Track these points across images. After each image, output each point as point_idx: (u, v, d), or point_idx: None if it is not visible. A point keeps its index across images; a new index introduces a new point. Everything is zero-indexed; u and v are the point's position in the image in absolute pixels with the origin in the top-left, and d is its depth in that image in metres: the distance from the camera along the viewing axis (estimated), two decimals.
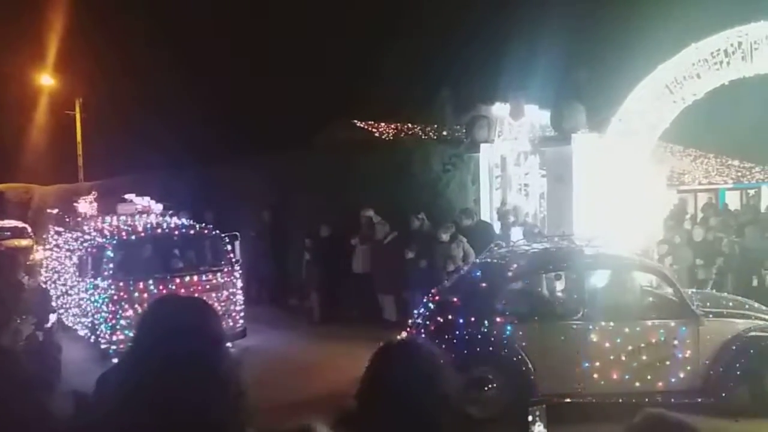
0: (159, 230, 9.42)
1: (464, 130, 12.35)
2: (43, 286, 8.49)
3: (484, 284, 6.93)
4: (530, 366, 6.30)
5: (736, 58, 8.35)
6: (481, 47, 22.31)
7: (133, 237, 9.06)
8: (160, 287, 8.55)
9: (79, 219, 10.64)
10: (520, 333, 6.44)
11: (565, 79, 15.96)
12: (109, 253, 8.61)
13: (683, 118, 9.65)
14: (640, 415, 1.81)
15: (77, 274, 9.51)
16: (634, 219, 9.49)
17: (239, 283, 9.50)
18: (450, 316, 6.66)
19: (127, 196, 10.58)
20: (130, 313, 8.21)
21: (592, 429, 6.02)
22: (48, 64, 21.25)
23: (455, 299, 6.92)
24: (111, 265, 8.54)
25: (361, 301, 10.91)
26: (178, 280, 8.81)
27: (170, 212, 10.46)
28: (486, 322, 6.47)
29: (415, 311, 7.72)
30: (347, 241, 10.99)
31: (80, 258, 9.44)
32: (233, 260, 9.56)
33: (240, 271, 9.60)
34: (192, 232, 9.60)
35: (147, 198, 10.58)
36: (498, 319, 6.50)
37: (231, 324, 9.10)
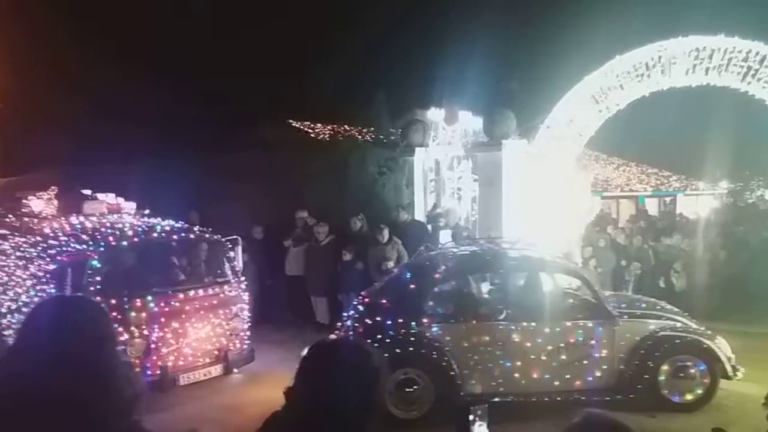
0: (154, 234, 7.67)
1: (400, 134, 12.47)
2: None
3: (412, 286, 7.00)
4: (455, 366, 6.42)
5: (656, 71, 8.81)
6: (417, 53, 22.60)
7: (124, 243, 7.28)
8: (162, 304, 7.12)
9: (30, 219, 8.59)
10: (447, 334, 6.56)
11: (497, 87, 16.39)
12: (95, 264, 6.92)
13: (608, 128, 10.10)
14: (579, 415, 1.86)
15: (41, 288, 7.36)
16: (561, 223, 9.85)
17: (246, 297, 8.24)
18: (378, 318, 6.71)
19: (86, 191, 9.03)
20: (125, 337, 6.73)
21: (523, 427, 6.20)
22: None
23: (384, 301, 6.98)
24: (97, 279, 6.85)
25: (293, 303, 10.80)
26: (181, 296, 7.41)
27: (146, 212, 8.97)
28: (413, 323, 6.55)
29: (344, 313, 7.72)
30: (280, 242, 10.85)
31: (47, 269, 7.38)
32: (237, 269, 8.28)
33: (246, 283, 8.36)
34: (192, 236, 8.07)
35: (111, 195, 9.04)
36: (425, 321, 6.59)
37: (238, 346, 7.92)
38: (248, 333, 8.25)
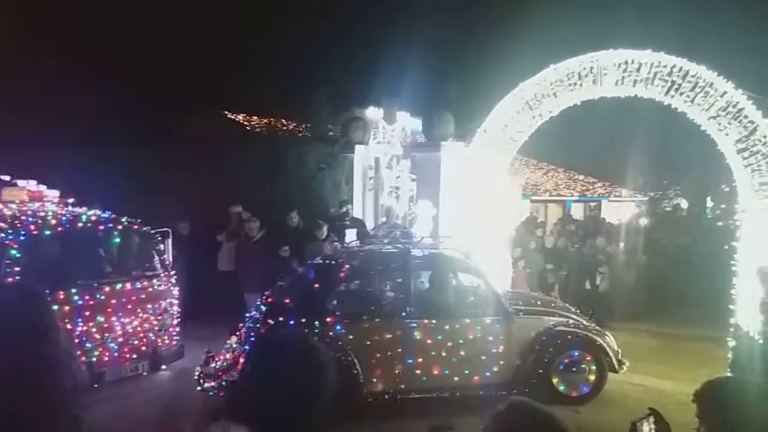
0: (79, 224, 7.36)
1: (340, 130, 12.44)
2: None
3: (316, 285, 6.98)
4: (357, 365, 6.49)
5: (588, 81, 9.15)
6: (357, 52, 22.60)
7: (47, 232, 6.90)
8: (86, 297, 6.90)
9: None
10: (349, 332, 6.59)
11: (436, 90, 16.65)
12: (13, 253, 6.53)
13: (538, 134, 10.40)
14: (504, 403, 1.93)
15: None
16: (492, 224, 10.08)
17: (176, 292, 8.15)
18: (281, 318, 6.63)
19: (5, 177, 8.43)
20: None
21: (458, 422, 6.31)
22: None
23: (287, 300, 6.93)
24: (17, 269, 6.46)
25: (225, 299, 10.56)
26: (107, 289, 7.17)
27: (71, 200, 8.56)
28: (316, 322, 6.53)
29: (247, 314, 7.58)
30: (213, 237, 10.59)
31: None
32: (167, 263, 8.17)
33: (176, 276, 8.25)
34: (119, 227, 7.79)
35: (32, 181, 8.46)
36: (328, 320, 6.59)
37: (167, 341, 7.84)
38: (177, 328, 8.13)
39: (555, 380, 7.06)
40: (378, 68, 16.82)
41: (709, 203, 19.79)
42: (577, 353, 7.16)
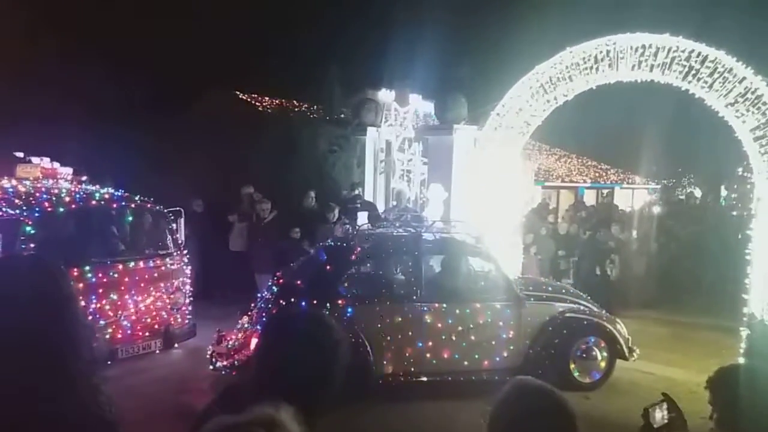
0: (92, 202, 7.37)
1: (352, 112, 12.39)
2: None
3: (327, 267, 7.00)
4: (368, 347, 6.50)
5: (604, 65, 9.00)
6: (370, 34, 22.41)
7: (61, 209, 6.94)
8: (99, 275, 6.92)
9: None
10: (360, 315, 6.59)
11: (449, 72, 16.50)
12: (28, 229, 6.53)
13: (551, 119, 10.29)
14: (509, 383, 1.93)
15: None
16: (503, 209, 10.03)
17: (189, 270, 8.20)
18: (292, 299, 6.65)
19: (19, 154, 8.53)
20: None
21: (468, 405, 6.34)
22: None
23: (299, 282, 6.95)
24: (31, 245, 6.48)
25: (236, 279, 10.63)
26: (120, 267, 7.20)
27: (84, 178, 8.69)
28: (327, 304, 6.51)
29: (259, 294, 7.61)
30: (225, 218, 10.64)
31: None
32: (180, 242, 8.18)
33: (188, 256, 8.27)
34: (133, 205, 7.79)
35: (46, 159, 8.56)
36: (339, 302, 6.59)
37: (179, 320, 7.91)
38: (190, 307, 8.17)
39: (572, 366, 7.06)
40: (391, 50, 16.68)
41: (724, 192, 19.59)
42: (593, 339, 7.16)
